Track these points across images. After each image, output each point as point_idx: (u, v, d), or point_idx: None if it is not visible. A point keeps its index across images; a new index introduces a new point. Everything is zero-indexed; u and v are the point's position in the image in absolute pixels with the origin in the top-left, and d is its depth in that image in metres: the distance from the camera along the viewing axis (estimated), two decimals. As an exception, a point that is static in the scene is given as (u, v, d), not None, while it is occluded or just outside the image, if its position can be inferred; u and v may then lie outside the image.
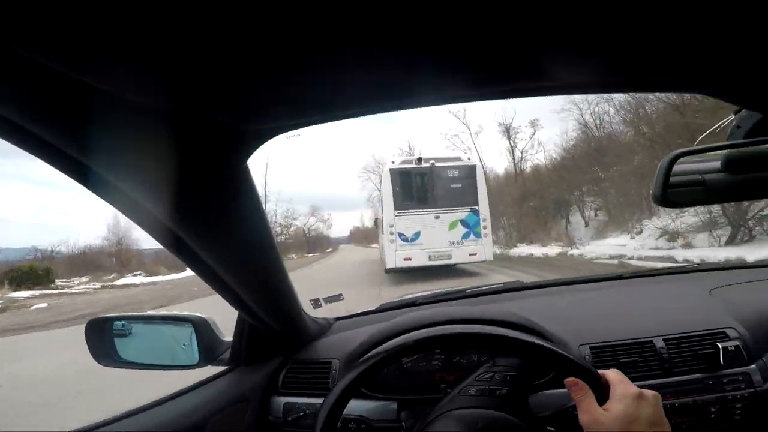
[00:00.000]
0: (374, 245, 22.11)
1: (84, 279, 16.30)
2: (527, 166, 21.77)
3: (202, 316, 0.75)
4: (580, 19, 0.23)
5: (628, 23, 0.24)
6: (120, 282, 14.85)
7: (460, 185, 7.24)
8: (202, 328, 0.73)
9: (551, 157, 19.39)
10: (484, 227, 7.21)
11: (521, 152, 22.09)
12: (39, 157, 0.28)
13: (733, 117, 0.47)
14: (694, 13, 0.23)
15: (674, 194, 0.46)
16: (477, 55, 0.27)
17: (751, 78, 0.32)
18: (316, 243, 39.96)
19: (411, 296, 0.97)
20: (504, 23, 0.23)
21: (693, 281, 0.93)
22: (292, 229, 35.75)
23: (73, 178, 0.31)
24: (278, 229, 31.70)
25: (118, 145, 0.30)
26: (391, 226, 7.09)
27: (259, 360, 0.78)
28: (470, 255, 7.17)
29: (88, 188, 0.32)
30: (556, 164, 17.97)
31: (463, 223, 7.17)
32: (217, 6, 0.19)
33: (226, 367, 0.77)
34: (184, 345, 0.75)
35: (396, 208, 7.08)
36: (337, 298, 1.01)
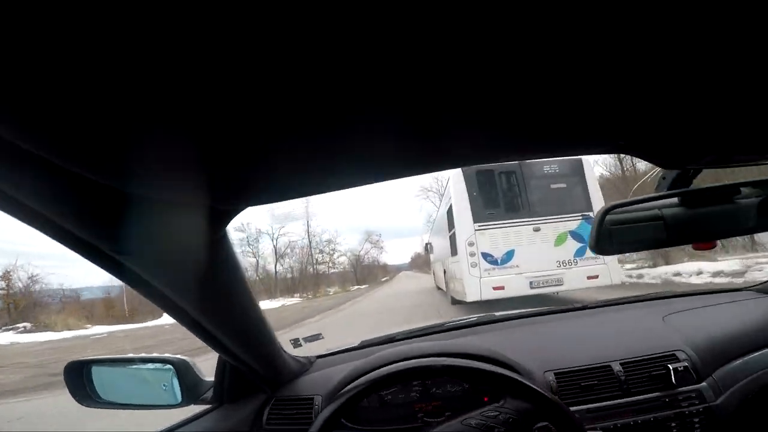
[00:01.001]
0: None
1: None
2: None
3: (182, 357, 0.76)
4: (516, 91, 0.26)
5: (567, 95, 0.27)
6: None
7: (564, 185, 5.29)
8: (183, 369, 0.75)
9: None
10: (606, 239, 5.30)
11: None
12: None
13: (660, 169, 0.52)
14: (619, 87, 0.26)
15: (624, 232, 0.50)
16: (418, 144, 0.32)
17: (664, 143, 0.38)
18: (368, 273, 33.33)
19: (390, 333, 1.01)
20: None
21: (649, 309, 0.97)
22: (337, 256, 30.49)
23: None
24: (319, 257, 27.62)
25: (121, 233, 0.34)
26: (471, 245, 5.15)
27: (243, 398, 0.79)
28: (589, 278, 5.06)
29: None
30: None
31: (575, 235, 5.11)
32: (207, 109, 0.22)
33: (210, 405, 0.77)
34: (165, 385, 0.75)
35: (476, 220, 5.16)
36: (316, 337, 1.04)
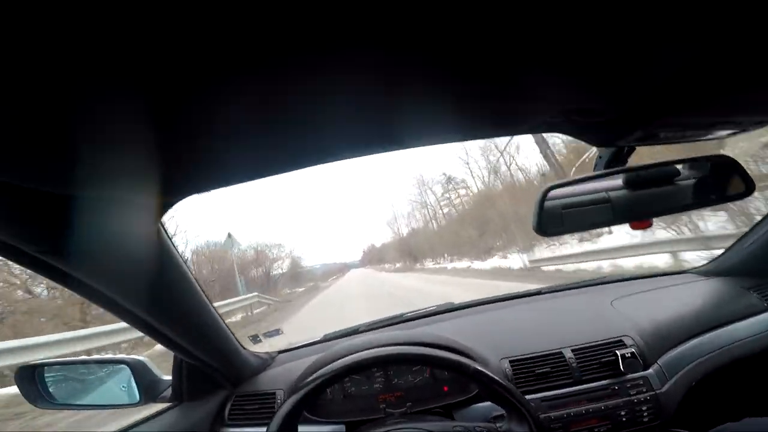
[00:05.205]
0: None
1: None
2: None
3: (137, 357, 0.77)
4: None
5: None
6: None
7: None
8: (139, 369, 0.75)
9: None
10: None
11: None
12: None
13: (596, 149, 0.54)
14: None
15: (574, 215, 0.53)
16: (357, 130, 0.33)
17: (593, 120, 0.40)
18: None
19: (353, 325, 1.01)
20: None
21: (599, 293, 0.99)
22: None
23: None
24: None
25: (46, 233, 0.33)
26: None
27: (203, 395, 0.79)
28: None
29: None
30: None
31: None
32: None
33: (169, 404, 0.77)
34: (123, 386, 0.76)
35: None
36: (276, 332, 1.04)
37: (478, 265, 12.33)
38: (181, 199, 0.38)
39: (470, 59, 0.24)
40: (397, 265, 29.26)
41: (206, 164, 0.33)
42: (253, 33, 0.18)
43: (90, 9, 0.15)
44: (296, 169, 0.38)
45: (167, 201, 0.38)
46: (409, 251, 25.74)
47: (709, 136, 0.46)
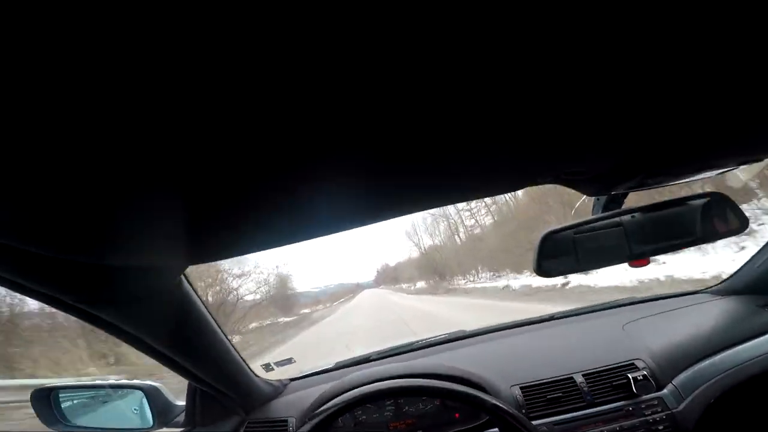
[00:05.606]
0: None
1: None
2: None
3: (152, 383, 0.77)
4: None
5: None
6: None
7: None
8: (153, 394, 0.75)
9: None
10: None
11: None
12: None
13: None
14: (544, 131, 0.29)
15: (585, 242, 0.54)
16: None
17: (587, 181, 0.43)
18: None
19: (364, 353, 1.01)
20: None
21: (610, 318, 0.98)
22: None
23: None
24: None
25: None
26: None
27: (216, 421, 0.79)
28: None
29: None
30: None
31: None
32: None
33: (182, 429, 0.77)
34: (135, 410, 0.75)
35: None
36: (288, 361, 1.06)
37: (581, 279, 6.32)
38: (200, 263, 0.42)
39: (458, 138, 0.26)
40: (418, 284, 23.53)
41: (225, 237, 0.36)
42: (271, 145, 0.21)
43: (138, 128, 0.17)
44: (306, 240, 0.41)
45: (189, 263, 0.43)
46: (433, 268, 21.54)
47: (699, 177, 0.47)
